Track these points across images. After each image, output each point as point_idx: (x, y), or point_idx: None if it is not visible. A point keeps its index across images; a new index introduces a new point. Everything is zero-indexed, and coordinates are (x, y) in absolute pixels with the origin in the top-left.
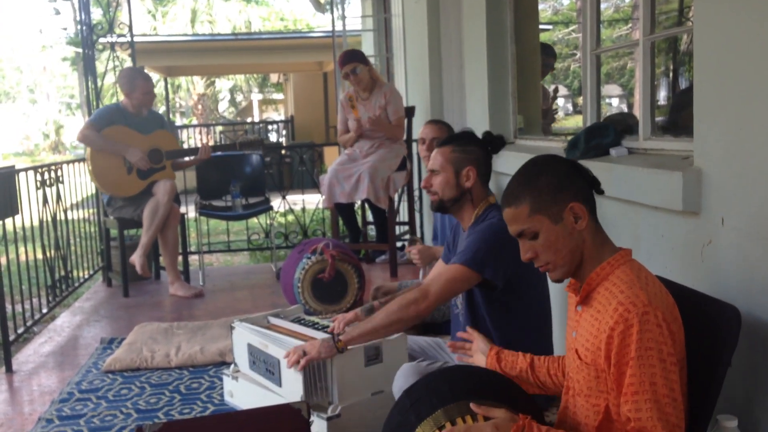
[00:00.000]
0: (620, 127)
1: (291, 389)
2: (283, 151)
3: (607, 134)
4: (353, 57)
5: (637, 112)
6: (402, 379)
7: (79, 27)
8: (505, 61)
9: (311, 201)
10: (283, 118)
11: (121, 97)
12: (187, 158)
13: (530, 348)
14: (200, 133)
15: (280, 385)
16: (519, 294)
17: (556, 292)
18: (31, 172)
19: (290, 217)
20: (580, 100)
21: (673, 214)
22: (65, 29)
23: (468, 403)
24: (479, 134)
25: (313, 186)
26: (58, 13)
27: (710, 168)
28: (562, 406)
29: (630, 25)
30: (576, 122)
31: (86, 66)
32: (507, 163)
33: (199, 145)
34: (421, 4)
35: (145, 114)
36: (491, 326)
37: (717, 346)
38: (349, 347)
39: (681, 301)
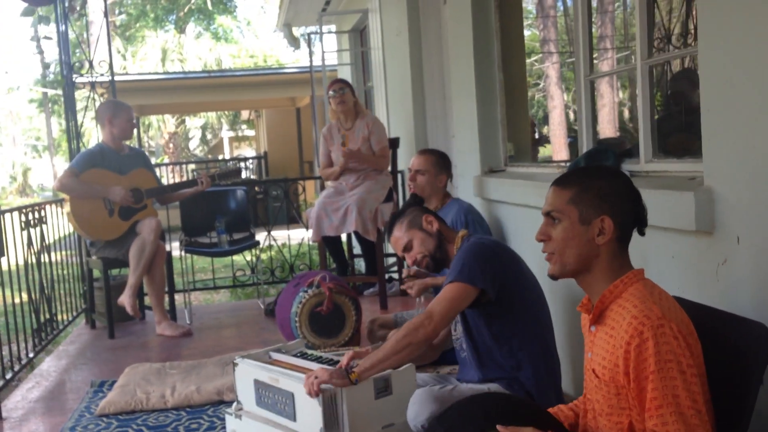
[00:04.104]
0: (619, 150)
1: (308, 422)
2: (256, 188)
3: (606, 158)
4: (342, 81)
5: (639, 135)
6: (417, 405)
7: (57, 67)
8: (494, 89)
9: (294, 236)
10: (255, 154)
11: (99, 137)
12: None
13: (535, 363)
14: (172, 171)
15: (294, 419)
16: (512, 310)
17: (564, 313)
18: (15, 214)
19: (273, 252)
20: (545, 129)
21: (685, 235)
22: (48, 66)
23: None
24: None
25: (290, 221)
26: (41, 52)
27: (722, 187)
28: (581, 430)
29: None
30: (544, 152)
31: (67, 105)
32: (498, 191)
33: (172, 182)
34: (402, 37)
35: (126, 151)
36: (490, 344)
37: (747, 365)
38: (362, 378)
39: (706, 320)
